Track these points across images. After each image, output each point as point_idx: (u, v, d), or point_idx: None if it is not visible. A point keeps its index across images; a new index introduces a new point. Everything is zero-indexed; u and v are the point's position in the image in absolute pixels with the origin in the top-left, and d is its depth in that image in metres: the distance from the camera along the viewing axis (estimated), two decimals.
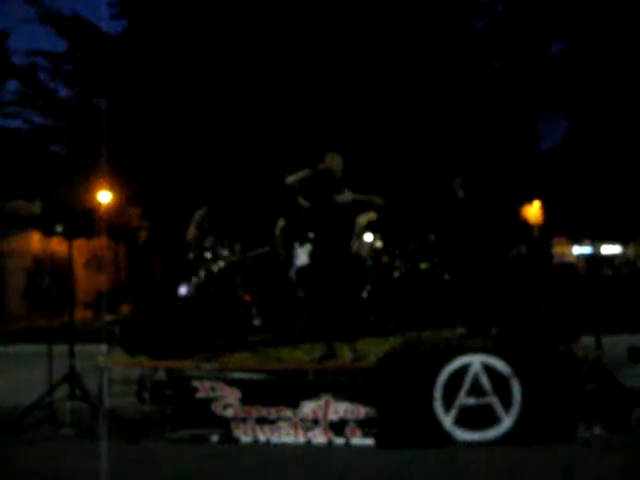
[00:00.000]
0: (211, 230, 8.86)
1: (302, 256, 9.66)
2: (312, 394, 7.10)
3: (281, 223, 10.18)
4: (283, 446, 7.03)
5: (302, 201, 9.62)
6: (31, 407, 7.72)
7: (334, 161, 8.10)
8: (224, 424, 7.22)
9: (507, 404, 6.75)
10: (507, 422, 6.73)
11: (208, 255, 8.66)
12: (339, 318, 7.98)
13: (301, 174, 8.16)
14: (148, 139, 21.43)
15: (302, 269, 9.67)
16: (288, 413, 7.11)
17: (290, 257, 9.89)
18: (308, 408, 7.08)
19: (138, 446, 7.21)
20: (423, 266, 9.93)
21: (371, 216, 9.98)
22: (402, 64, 20.71)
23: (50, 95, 24.52)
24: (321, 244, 8.25)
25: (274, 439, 7.11)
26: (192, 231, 9.00)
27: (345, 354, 7.61)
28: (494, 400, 6.77)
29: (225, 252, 8.74)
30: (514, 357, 6.87)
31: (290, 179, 8.28)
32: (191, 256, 8.99)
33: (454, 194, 9.46)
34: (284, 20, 20.50)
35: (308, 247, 9.46)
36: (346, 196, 8.04)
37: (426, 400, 6.84)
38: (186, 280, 10.03)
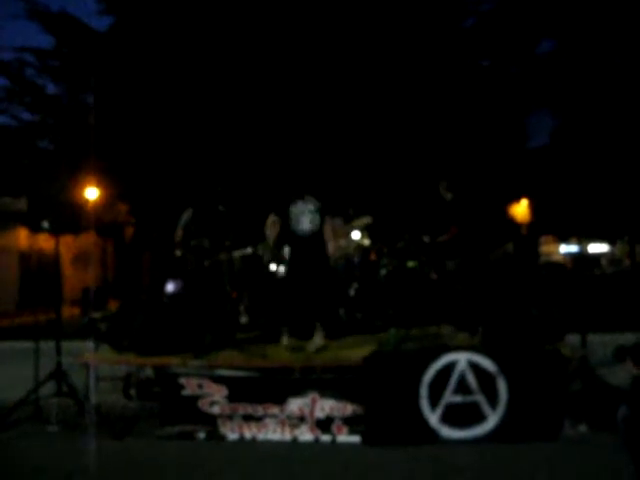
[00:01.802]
0: (199, 230, 8.90)
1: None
2: (299, 391, 7.11)
3: (272, 219, 9.89)
4: (270, 443, 7.04)
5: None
6: (17, 404, 7.72)
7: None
8: (211, 421, 7.23)
9: (493, 402, 6.78)
10: (493, 420, 6.76)
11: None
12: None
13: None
14: (135, 135, 21.39)
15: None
16: (275, 410, 7.12)
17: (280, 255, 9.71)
18: (295, 405, 7.09)
19: (124, 443, 7.21)
20: (411, 264, 9.94)
21: (365, 220, 10.01)
22: (391, 62, 20.71)
23: (38, 91, 24.46)
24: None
25: (260, 436, 7.12)
26: (179, 232, 9.05)
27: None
28: (480, 398, 6.80)
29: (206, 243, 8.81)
30: (500, 355, 6.90)
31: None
32: (178, 253, 9.00)
33: (442, 197, 9.52)
34: (273, 20, 20.49)
35: None
36: (330, 247, 8.38)
37: (412, 398, 6.86)
38: (173, 277, 10.01)
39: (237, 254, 9.24)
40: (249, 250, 9.34)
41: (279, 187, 9.74)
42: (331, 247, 8.73)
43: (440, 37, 22.06)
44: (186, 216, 9.14)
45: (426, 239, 9.49)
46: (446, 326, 8.57)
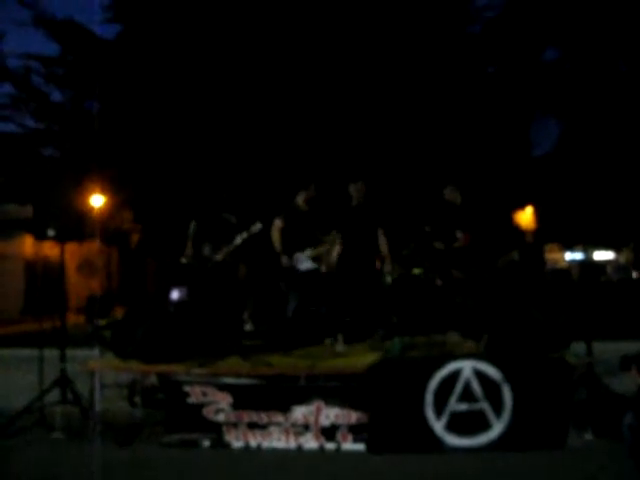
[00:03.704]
0: (203, 238, 8.96)
1: (305, 261, 9.49)
2: (303, 399, 7.11)
3: (279, 224, 9.74)
4: (274, 451, 7.03)
5: (300, 203, 9.64)
6: (22, 411, 7.72)
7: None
8: (215, 429, 7.22)
9: (498, 410, 6.76)
10: (498, 428, 6.75)
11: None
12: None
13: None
14: (141, 143, 21.41)
15: (307, 273, 9.49)
16: (279, 418, 7.11)
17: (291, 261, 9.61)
18: (299, 413, 7.08)
19: (129, 450, 7.21)
20: (416, 271, 9.93)
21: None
22: (396, 69, 20.71)
23: (43, 99, 24.48)
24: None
25: (265, 444, 7.11)
26: (189, 245, 9.13)
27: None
28: (485, 406, 6.78)
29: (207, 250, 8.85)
30: (505, 363, 6.88)
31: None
32: (184, 260, 9.00)
33: (449, 202, 9.52)
34: (281, 29, 20.50)
35: (310, 252, 9.41)
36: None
37: (417, 405, 6.84)
38: (178, 285, 10.01)
39: (239, 239, 9.13)
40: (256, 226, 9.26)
41: (283, 196, 9.77)
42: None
43: (445, 44, 22.06)
44: (192, 228, 9.19)
45: (439, 245, 9.48)
46: (452, 333, 8.56)
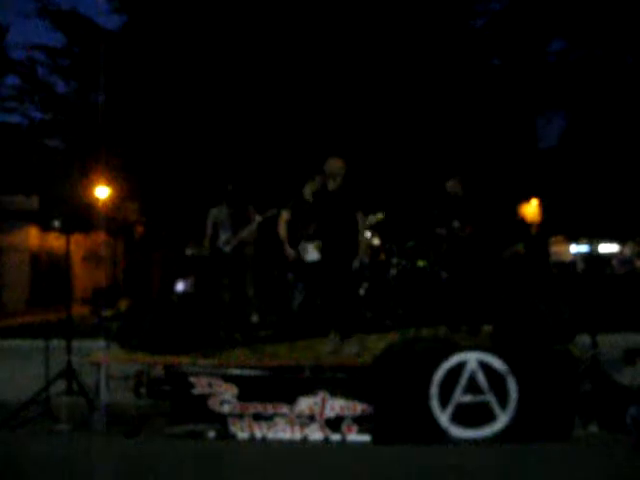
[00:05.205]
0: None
1: (312, 252, 9.49)
2: (309, 390, 7.11)
3: (285, 216, 9.76)
4: (279, 442, 7.04)
5: (307, 195, 9.64)
6: (28, 402, 7.73)
7: (333, 165, 8.35)
8: (221, 420, 7.23)
9: (503, 402, 6.76)
10: (503, 420, 6.75)
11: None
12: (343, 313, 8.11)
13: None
14: (146, 134, 21.41)
15: (313, 264, 9.48)
16: (285, 409, 7.12)
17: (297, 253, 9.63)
18: (305, 404, 7.09)
19: (135, 441, 7.22)
20: (420, 263, 9.94)
21: (377, 217, 9.95)
22: (402, 62, 20.68)
23: (48, 90, 24.48)
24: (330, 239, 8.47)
25: (270, 435, 7.12)
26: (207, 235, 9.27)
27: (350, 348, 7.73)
28: (490, 398, 6.78)
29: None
30: (510, 355, 6.88)
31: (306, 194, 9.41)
32: (188, 252, 9.03)
33: (450, 194, 9.50)
34: (284, 16, 20.48)
35: (317, 242, 9.39)
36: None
37: (422, 397, 6.85)
38: (183, 276, 10.04)
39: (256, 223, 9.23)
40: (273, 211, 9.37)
41: (289, 185, 9.76)
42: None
43: (451, 36, 22.01)
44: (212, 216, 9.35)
45: (440, 231, 9.42)
46: (441, 327, 8.62)
